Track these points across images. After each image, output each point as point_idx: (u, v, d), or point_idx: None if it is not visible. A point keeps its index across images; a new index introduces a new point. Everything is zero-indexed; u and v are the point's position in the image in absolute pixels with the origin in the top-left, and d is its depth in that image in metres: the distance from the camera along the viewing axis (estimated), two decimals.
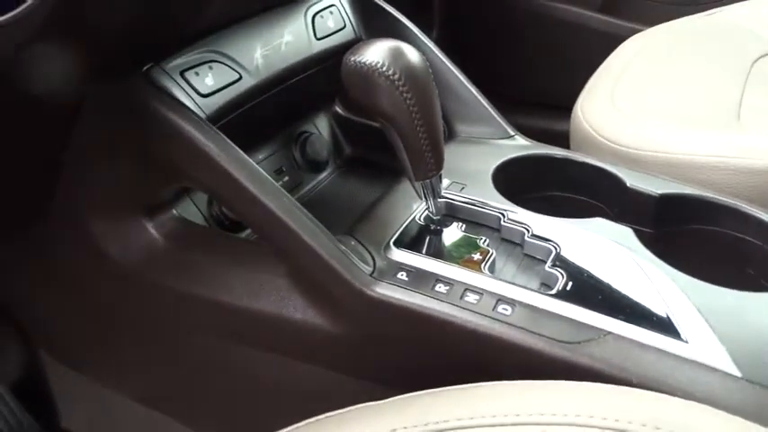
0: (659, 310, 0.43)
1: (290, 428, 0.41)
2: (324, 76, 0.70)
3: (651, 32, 0.96)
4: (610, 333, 0.42)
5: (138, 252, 0.61)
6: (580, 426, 0.34)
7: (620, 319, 0.42)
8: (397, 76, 0.45)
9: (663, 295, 0.44)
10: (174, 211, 0.62)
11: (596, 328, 0.42)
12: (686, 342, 0.40)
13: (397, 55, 0.46)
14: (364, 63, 0.46)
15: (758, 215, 0.51)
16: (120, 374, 0.71)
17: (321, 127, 0.82)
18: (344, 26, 0.71)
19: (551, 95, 1.01)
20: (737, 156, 0.59)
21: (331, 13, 0.70)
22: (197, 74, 0.57)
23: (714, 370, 0.39)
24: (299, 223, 0.49)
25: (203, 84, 0.57)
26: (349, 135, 0.83)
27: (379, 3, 0.73)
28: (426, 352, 0.48)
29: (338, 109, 0.83)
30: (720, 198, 0.53)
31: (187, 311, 0.61)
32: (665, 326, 0.42)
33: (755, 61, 0.82)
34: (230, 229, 0.67)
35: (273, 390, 0.62)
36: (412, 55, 0.46)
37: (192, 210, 0.65)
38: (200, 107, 0.56)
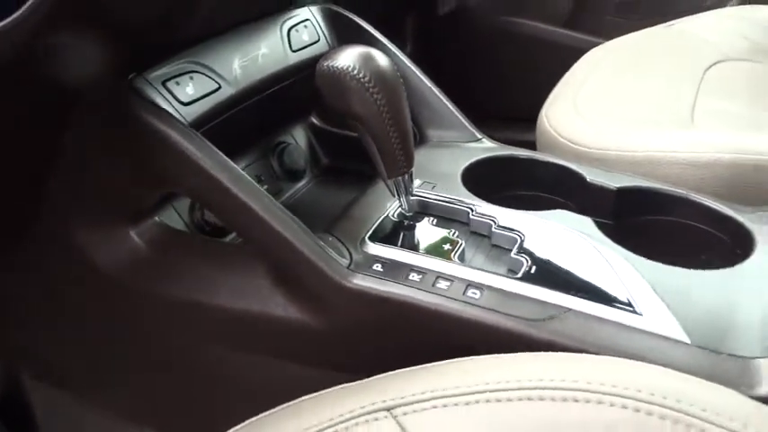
0: (616, 287, 0.46)
1: (273, 410, 0.43)
2: (300, 87, 0.73)
3: (611, 44, 1.02)
4: (570, 310, 0.45)
5: (122, 259, 0.62)
6: (547, 389, 0.36)
7: (580, 297, 0.45)
8: (367, 79, 0.48)
9: (619, 275, 0.47)
10: (157, 218, 0.64)
11: (558, 306, 0.45)
12: (641, 315, 0.44)
13: (366, 59, 0.49)
14: (336, 67, 0.49)
15: (706, 203, 0.55)
16: (105, 389, 0.72)
17: (298, 137, 0.85)
18: (319, 39, 0.74)
19: (520, 107, 1.05)
20: (688, 150, 0.63)
21: (305, 26, 0.73)
22: (178, 83, 0.59)
23: (666, 338, 0.42)
24: (280, 221, 0.52)
25: (184, 92, 0.59)
26: (325, 145, 0.86)
27: (352, 17, 0.76)
28: (402, 338, 0.50)
29: (314, 120, 0.86)
30: (673, 189, 0.57)
31: (172, 316, 0.62)
32: (621, 302, 0.45)
33: (708, 68, 0.88)
34: (211, 235, 0.69)
35: (258, 391, 0.63)
36: (381, 59, 0.50)
37: (174, 217, 0.67)
38: (181, 115, 0.58)
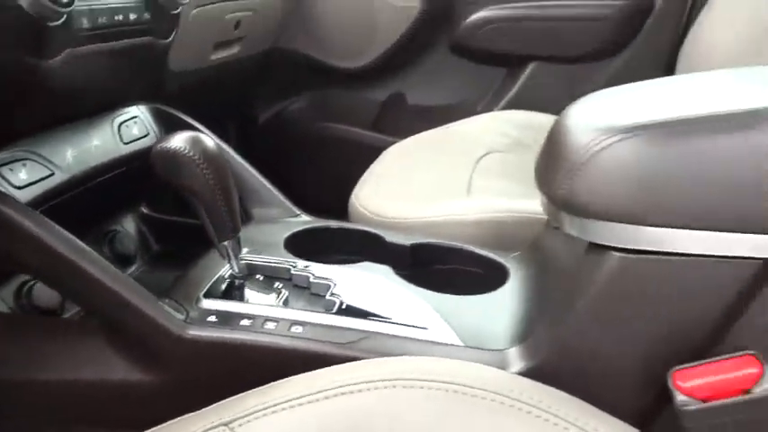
0: (408, 312, 0.58)
1: None
2: (130, 177, 0.80)
3: (406, 142, 1.22)
4: (374, 332, 0.56)
5: None
6: (352, 385, 0.46)
7: (382, 322, 0.57)
8: (197, 157, 0.58)
9: (410, 303, 0.60)
10: None
11: (365, 330, 0.56)
12: (426, 329, 0.56)
13: (196, 141, 0.59)
14: (170, 148, 0.58)
15: (475, 251, 0.71)
16: None
17: (128, 226, 0.90)
18: (148, 134, 0.83)
19: (334, 198, 1.19)
20: (461, 214, 0.80)
21: (135, 122, 0.82)
22: (11, 170, 0.64)
23: (445, 344, 0.54)
24: (118, 282, 0.57)
25: (17, 177, 0.64)
26: (155, 232, 0.92)
27: (179, 115, 0.86)
28: (240, 378, 0.57)
29: (145, 209, 0.92)
30: (452, 243, 0.73)
31: (4, 398, 0.62)
32: (412, 322, 0.57)
33: (479, 159, 1.09)
34: None
35: None
36: (208, 141, 0.60)
37: None
38: (15, 197, 0.62)
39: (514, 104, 1.40)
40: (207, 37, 1.06)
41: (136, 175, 0.81)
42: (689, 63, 1.14)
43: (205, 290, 0.62)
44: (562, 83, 1.37)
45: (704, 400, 0.40)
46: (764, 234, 0.42)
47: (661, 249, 0.45)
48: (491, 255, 0.70)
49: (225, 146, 0.84)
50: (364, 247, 0.75)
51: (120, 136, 0.79)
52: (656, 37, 1.29)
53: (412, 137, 1.23)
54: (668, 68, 1.24)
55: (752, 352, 0.41)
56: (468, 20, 1.38)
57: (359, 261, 0.70)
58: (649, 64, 1.26)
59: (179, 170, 0.58)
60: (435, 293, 0.62)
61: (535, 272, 0.63)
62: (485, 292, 0.63)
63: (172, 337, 0.57)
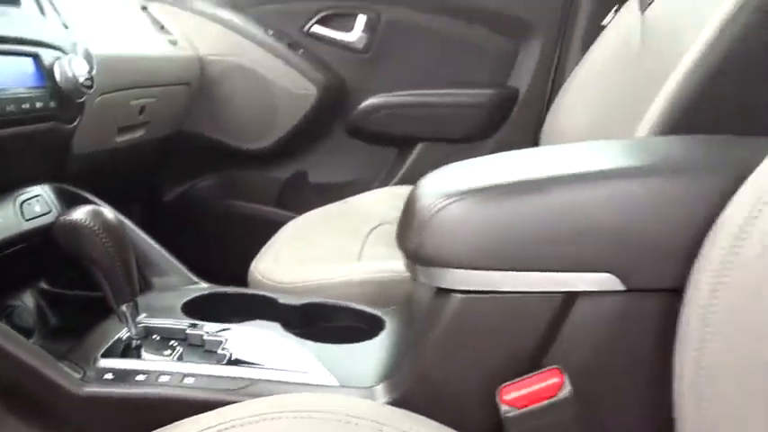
0: (292, 361, 0.65)
1: None
2: (31, 254, 0.84)
3: (306, 216, 1.31)
4: (259, 379, 0.62)
5: None
6: (248, 417, 0.52)
7: (266, 370, 0.64)
8: (97, 228, 0.64)
9: (295, 354, 0.67)
10: None
11: (250, 378, 0.63)
12: (307, 373, 0.63)
13: (96, 214, 0.65)
14: (71, 220, 0.64)
15: (359, 308, 0.80)
16: None
17: (27, 301, 0.92)
18: (51, 211, 0.87)
19: (237, 274, 1.25)
20: (348, 275, 0.89)
21: (38, 201, 0.86)
22: None
23: (322, 385, 0.62)
24: (15, 345, 0.61)
25: None
26: (55, 307, 0.94)
27: (82, 193, 0.91)
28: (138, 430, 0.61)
29: (44, 285, 0.95)
30: (340, 302, 0.81)
31: None
32: (296, 368, 0.64)
33: (372, 229, 1.20)
34: None
35: None
36: (108, 214, 0.66)
37: None
38: None
39: (406, 180, 1.53)
40: (111, 122, 1.13)
41: (37, 251, 0.85)
42: (549, 141, 1.31)
43: (102, 351, 0.67)
44: (446, 161, 1.51)
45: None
46: (563, 272, 0.54)
47: (491, 289, 0.55)
48: (371, 310, 0.79)
49: (126, 220, 0.89)
50: (259, 309, 0.82)
51: (22, 213, 0.83)
52: (522, 120, 1.49)
53: (311, 212, 1.32)
54: (534, 146, 1.42)
55: (556, 366, 0.51)
56: (360, 106, 1.54)
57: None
58: (518, 143, 1.44)
59: (80, 241, 0.64)
60: (318, 344, 0.69)
61: (405, 321, 0.72)
62: (364, 340, 0.71)
63: (69, 395, 0.61)
